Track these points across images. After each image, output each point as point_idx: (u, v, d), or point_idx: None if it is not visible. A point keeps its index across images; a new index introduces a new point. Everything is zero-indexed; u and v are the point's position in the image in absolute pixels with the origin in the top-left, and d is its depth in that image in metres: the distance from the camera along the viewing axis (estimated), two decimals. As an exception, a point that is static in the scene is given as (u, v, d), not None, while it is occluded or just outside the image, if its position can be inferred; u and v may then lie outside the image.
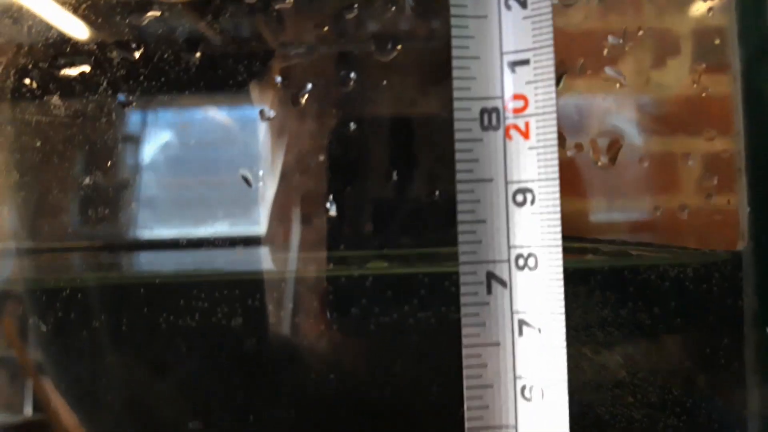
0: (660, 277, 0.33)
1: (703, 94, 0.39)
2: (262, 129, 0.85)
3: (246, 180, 0.54)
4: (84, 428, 0.55)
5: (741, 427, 0.24)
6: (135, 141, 0.82)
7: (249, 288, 0.52)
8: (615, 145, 0.37)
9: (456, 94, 0.22)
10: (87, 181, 0.63)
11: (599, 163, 0.37)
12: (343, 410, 0.49)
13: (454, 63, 0.22)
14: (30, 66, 0.54)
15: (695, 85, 0.40)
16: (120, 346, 0.50)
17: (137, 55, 0.56)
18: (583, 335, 0.39)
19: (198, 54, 0.55)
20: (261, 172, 0.82)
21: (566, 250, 0.21)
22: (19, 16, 0.58)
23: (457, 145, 0.22)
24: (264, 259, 0.60)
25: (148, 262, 0.59)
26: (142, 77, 0.57)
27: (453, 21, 0.22)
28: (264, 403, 0.49)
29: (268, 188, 0.81)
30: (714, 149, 0.38)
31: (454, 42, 0.22)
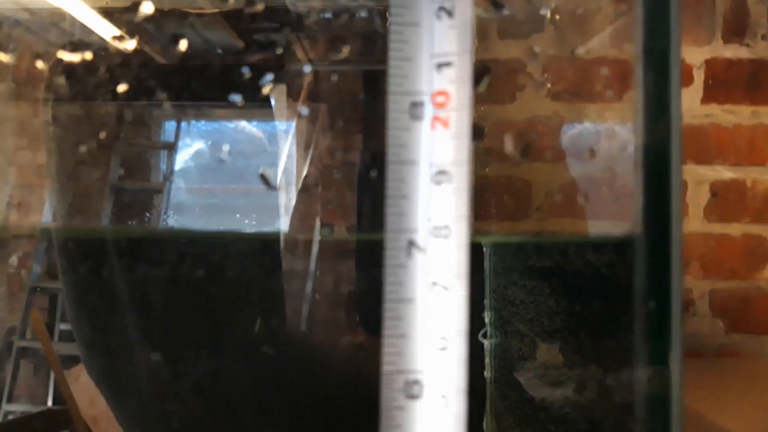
0: (562, 253, 0.37)
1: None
2: (288, 141, 0.89)
3: (265, 179, 0.57)
4: (105, 420, 0.58)
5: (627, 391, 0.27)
6: (168, 148, 0.85)
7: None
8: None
9: (390, 89, 0.26)
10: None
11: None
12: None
13: (390, 63, 0.26)
14: (69, 70, 0.58)
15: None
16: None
17: (169, 65, 0.60)
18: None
19: (228, 66, 0.59)
20: (285, 182, 0.86)
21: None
22: (61, 22, 0.61)
23: (390, 132, 0.26)
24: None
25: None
26: (174, 88, 0.61)
27: (392, 28, 0.26)
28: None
29: (291, 198, 0.85)
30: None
31: (392, 45, 0.26)
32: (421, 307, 0.26)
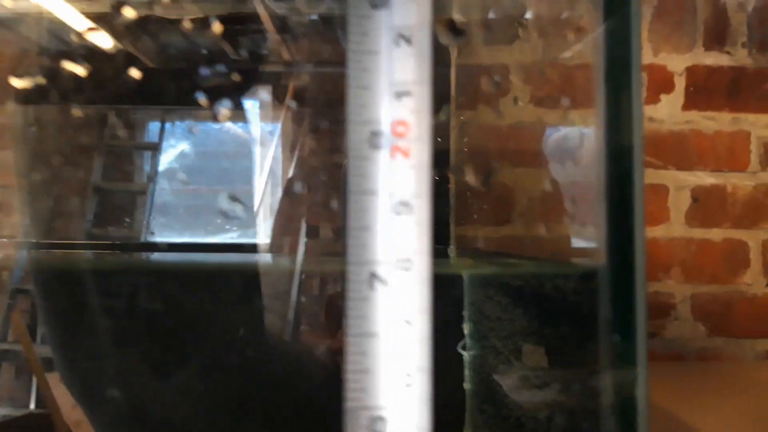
0: (530, 284, 0.36)
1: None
2: (273, 143, 0.88)
3: (236, 199, 0.57)
4: (88, 424, 0.57)
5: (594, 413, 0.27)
6: (152, 149, 0.84)
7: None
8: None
9: (350, 117, 0.26)
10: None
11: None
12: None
13: (349, 92, 0.26)
14: (51, 70, 0.57)
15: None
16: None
17: (155, 67, 0.59)
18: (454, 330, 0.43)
19: (214, 69, 0.58)
20: (269, 184, 0.85)
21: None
22: (45, 23, 0.60)
23: (350, 162, 0.26)
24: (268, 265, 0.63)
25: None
26: (159, 89, 0.60)
27: (350, 56, 0.26)
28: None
29: (275, 200, 0.84)
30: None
31: (350, 73, 0.26)
32: (384, 341, 0.25)
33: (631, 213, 0.25)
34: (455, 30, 0.41)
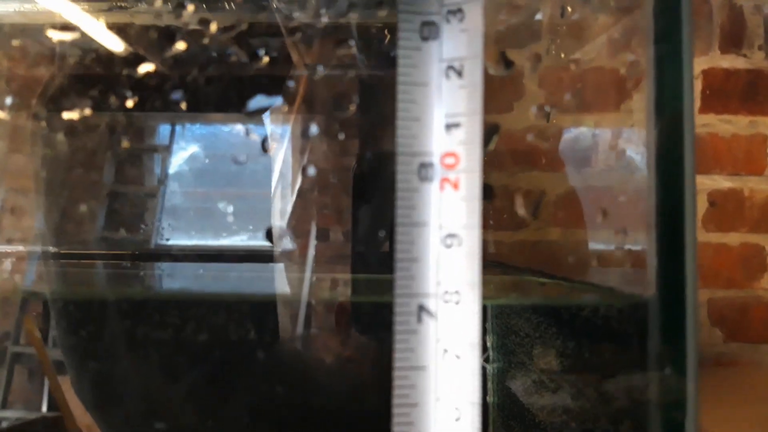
0: (577, 314, 0.36)
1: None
2: (284, 147, 0.88)
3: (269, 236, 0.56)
4: (98, 428, 0.58)
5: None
6: (163, 152, 0.84)
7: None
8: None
9: (399, 149, 0.26)
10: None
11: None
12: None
13: (399, 123, 0.25)
14: (67, 78, 0.57)
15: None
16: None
17: (168, 72, 0.59)
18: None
19: (225, 73, 0.58)
20: (281, 188, 0.85)
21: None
22: (56, 28, 0.60)
23: (398, 194, 0.26)
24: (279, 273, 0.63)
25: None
26: (171, 94, 0.60)
27: (399, 87, 0.25)
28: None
29: (286, 203, 0.84)
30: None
31: (400, 105, 0.25)
32: (433, 375, 0.25)
33: (682, 241, 0.24)
34: (506, 61, 0.41)
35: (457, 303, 0.25)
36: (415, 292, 0.25)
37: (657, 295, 0.25)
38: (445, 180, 0.25)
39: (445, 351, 0.25)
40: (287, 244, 0.77)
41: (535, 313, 0.45)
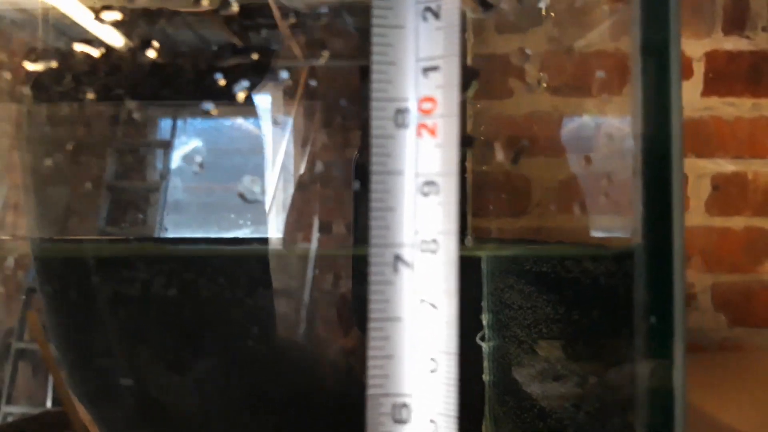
0: (562, 266, 0.36)
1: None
2: (285, 138, 0.87)
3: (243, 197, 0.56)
4: (96, 425, 0.57)
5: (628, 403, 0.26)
6: (164, 146, 0.84)
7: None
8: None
9: (374, 95, 0.25)
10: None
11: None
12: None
13: (374, 68, 0.25)
14: (60, 69, 0.57)
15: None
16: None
17: (166, 63, 0.58)
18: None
19: (224, 64, 0.57)
20: (281, 179, 0.85)
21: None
22: (51, 20, 0.60)
23: (373, 141, 0.25)
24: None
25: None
26: (170, 85, 0.59)
27: (374, 30, 0.25)
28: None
29: (287, 195, 0.83)
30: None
31: (374, 49, 0.25)
32: (408, 326, 0.24)
33: (669, 189, 0.24)
34: (485, 3, 0.40)
35: (434, 252, 0.24)
36: (390, 242, 0.25)
37: (643, 243, 0.24)
38: (422, 126, 0.25)
39: (422, 301, 0.24)
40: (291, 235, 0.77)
41: (524, 277, 0.44)
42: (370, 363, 0.24)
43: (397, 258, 0.25)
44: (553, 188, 1.05)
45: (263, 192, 0.55)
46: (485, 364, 0.62)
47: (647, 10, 0.26)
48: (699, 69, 1.18)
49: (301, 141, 0.92)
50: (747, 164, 1.18)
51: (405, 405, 0.24)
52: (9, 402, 1.16)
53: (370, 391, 0.24)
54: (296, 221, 0.82)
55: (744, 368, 1.10)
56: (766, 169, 1.18)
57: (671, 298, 0.23)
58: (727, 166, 1.19)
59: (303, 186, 0.88)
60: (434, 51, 0.24)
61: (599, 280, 0.30)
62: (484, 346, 0.62)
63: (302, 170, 0.91)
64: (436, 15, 0.25)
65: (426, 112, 0.25)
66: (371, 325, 0.24)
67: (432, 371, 0.24)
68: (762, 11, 1.18)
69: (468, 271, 0.64)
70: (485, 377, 0.62)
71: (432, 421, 0.24)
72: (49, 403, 1.12)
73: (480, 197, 0.98)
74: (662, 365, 0.24)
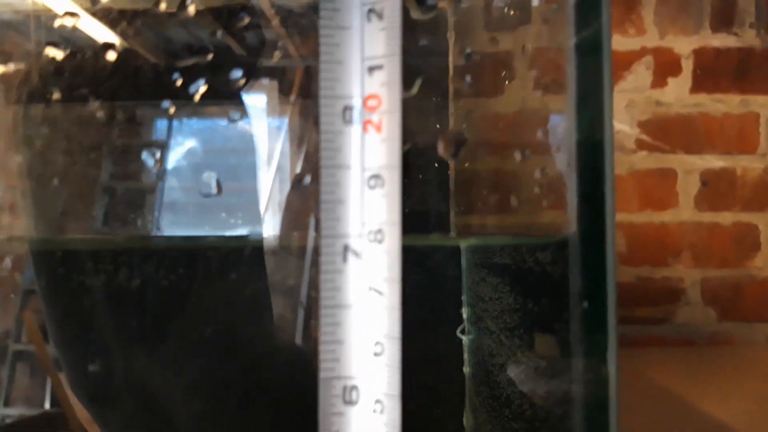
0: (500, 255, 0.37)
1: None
2: (281, 138, 0.88)
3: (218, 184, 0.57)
4: (95, 424, 0.58)
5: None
6: (160, 147, 0.85)
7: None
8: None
9: (322, 92, 0.26)
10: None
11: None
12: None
13: (322, 66, 0.26)
14: (55, 70, 0.58)
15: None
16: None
17: (160, 62, 0.59)
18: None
19: (218, 63, 0.58)
20: (277, 179, 0.85)
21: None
22: (45, 19, 0.61)
23: (322, 136, 0.26)
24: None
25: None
26: (164, 84, 0.60)
27: (321, 31, 0.26)
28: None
29: (283, 195, 0.84)
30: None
31: (322, 48, 0.26)
32: (356, 312, 0.26)
33: (601, 178, 0.25)
34: (424, 4, 0.42)
35: (380, 242, 0.26)
36: (340, 233, 0.26)
37: (577, 232, 0.25)
38: (368, 122, 0.26)
39: (369, 288, 0.26)
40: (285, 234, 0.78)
41: (492, 270, 0.45)
42: (322, 348, 0.26)
43: (346, 248, 0.26)
44: (541, 186, 1.06)
45: (220, 189, 0.56)
46: (465, 356, 0.63)
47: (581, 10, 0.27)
48: (687, 66, 1.19)
49: (297, 140, 0.93)
50: (735, 160, 1.19)
51: (354, 387, 0.26)
52: (7, 404, 1.17)
53: (322, 375, 0.26)
54: (292, 220, 0.83)
55: (733, 362, 1.11)
56: (755, 165, 1.19)
57: (604, 284, 0.24)
58: (715, 162, 1.20)
59: (298, 185, 0.89)
60: (378, 50, 0.26)
61: (543, 268, 0.31)
62: (464, 339, 0.63)
63: (298, 169, 0.92)
64: (380, 16, 0.26)
65: (371, 109, 0.26)
66: (322, 311, 0.26)
67: (376, 354, 0.25)
68: (749, 8, 1.19)
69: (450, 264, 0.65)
70: (465, 370, 0.64)
71: (378, 401, 0.25)
72: (47, 405, 1.13)
73: (467, 195, 0.99)
74: (597, 344, 0.25)
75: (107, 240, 0.66)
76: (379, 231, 0.26)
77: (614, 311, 0.24)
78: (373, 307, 0.26)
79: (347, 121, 0.26)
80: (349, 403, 0.25)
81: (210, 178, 0.48)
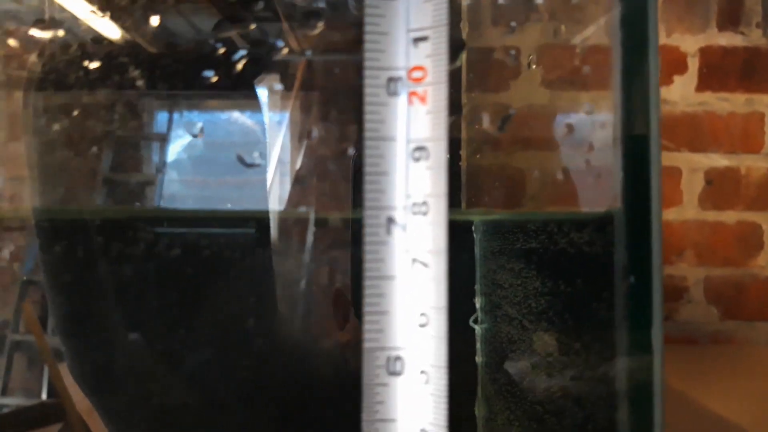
0: (545, 231, 0.37)
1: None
2: (282, 132, 0.88)
3: (242, 160, 0.57)
4: (95, 413, 0.58)
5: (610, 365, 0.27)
6: (161, 140, 0.85)
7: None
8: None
9: (367, 64, 0.26)
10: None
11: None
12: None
13: (366, 37, 0.26)
14: (59, 61, 0.57)
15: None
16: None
17: (158, 53, 0.59)
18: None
19: (224, 57, 0.58)
20: (279, 173, 0.85)
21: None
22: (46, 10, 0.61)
23: (367, 108, 0.26)
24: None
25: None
26: (168, 78, 0.60)
27: (367, 1, 0.26)
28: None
29: (285, 190, 0.84)
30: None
31: (367, 19, 0.26)
32: (401, 283, 0.26)
33: (647, 157, 0.25)
34: None
35: (424, 214, 0.26)
36: (384, 204, 0.26)
37: (622, 208, 0.25)
38: (413, 94, 0.26)
39: (414, 260, 0.26)
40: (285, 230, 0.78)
41: (515, 255, 0.45)
42: (366, 318, 0.26)
43: (390, 220, 0.26)
44: (548, 181, 1.06)
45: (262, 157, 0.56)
46: (478, 346, 0.63)
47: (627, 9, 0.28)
48: (693, 64, 1.20)
49: (299, 134, 0.93)
50: (740, 159, 1.19)
51: (399, 358, 0.25)
52: (4, 394, 1.17)
53: (366, 345, 0.26)
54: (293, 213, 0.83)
55: (735, 361, 1.11)
56: (759, 164, 1.19)
57: (650, 259, 0.24)
58: (720, 160, 1.20)
59: (299, 179, 0.89)
60: (424, 22, 0.26)
61: (582, 248, 0.31)
62: (477, 328, 0.63)
63: (299, 164, 0.92)
64: (427, -13, 0.26)
65: (416, 81, 0.26)
66: (366, 283, 0.26)
67: (422, 325, 0.25)
68: (756, 7, 1.20)
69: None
70: (478, 359, 0.64)
71: (423, 372, 0.25)
72: (44, 395, 1.13)
73: (474, 189, 0.99)
74: (642, 327, 0.25)
75: (116, 210, 0.66)
76: (424, 203, 0.26)
77: (660, 286, 0.24)
78: (417, 279, 0.25)
79: (392, 93, 0.26)
80: (394, 373, 0.25)
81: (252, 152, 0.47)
